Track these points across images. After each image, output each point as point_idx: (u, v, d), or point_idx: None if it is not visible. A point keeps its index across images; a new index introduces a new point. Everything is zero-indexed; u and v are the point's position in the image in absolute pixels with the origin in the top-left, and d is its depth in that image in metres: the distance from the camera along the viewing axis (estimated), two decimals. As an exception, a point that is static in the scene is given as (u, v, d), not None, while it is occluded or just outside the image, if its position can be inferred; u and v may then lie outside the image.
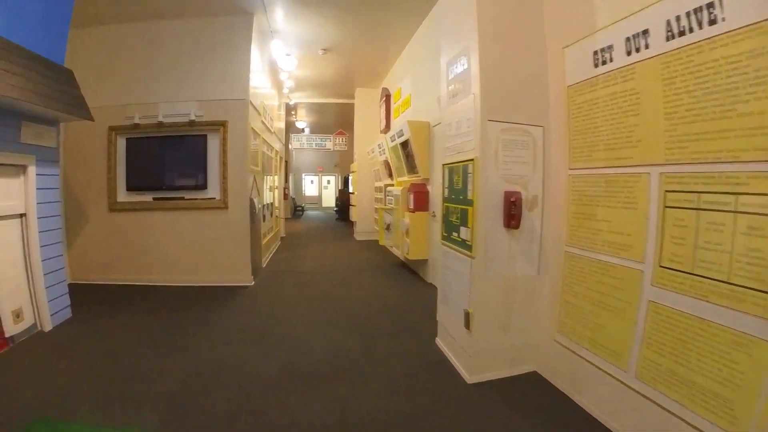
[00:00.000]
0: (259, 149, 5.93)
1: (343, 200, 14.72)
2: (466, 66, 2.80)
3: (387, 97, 7.78)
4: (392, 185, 6.72)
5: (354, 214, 9.29)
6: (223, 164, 5.08)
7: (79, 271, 5.28)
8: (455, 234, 2.98)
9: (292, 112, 11.45)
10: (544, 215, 2.81)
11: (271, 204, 7.41)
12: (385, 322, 3.85)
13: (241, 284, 5.18)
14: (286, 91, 8.70)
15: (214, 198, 5.17)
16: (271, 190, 7.27)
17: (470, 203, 2.72)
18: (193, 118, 5.06)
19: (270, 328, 3.67)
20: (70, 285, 5.09)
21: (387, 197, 6.31)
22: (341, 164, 17.50)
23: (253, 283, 5.27)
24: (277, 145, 8.60)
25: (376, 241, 8.83)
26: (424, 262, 5.45)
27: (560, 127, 2.67)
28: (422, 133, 5.20)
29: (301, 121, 12.75)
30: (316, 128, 13.71)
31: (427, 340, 3.41)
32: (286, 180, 15.45)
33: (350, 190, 9.87)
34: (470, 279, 2.75)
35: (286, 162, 15.60)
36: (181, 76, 5.18)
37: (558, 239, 2.70)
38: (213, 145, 5.17)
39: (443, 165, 3.27)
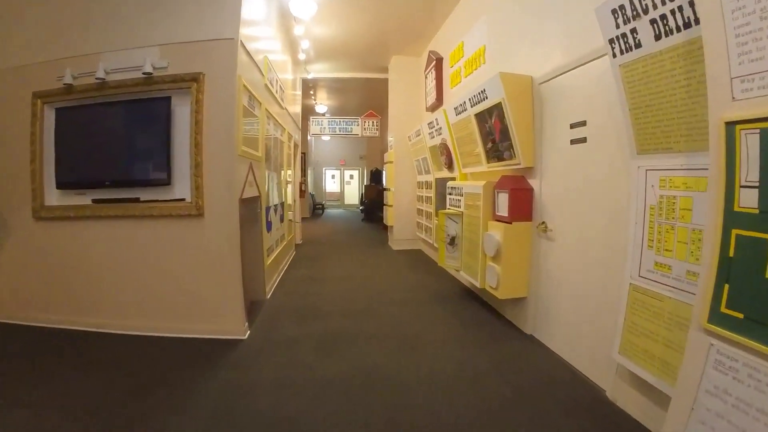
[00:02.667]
0: (261, 125, 3.95)
1: (371, 197, 12.74)
2: None
3: (437, 62, 5.72)
4: (453, 179, 4.67)
5: (390, 216, 7.27)
6: (195, 144, 3.11)
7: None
8: None
9: (311, 92, 9.46)
10: None
11: (283, 204, 5.44)
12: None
13: (227, 336, 3.24)
14: (302, 56, 6.71)
15: (183, 199, 3.22)
16: (282, 186, 5.29)
17: None
18: (149, 70, 3.13)
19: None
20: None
21: (450, 197, 4.26)
22: (368, 156, 15.41)
23: (247, 335, 3.31)
24: (292, 129, 6.63)
25: (420, 252, 6.80)
26: (518, 299, 3.39)
27: None
28: (523, 95, 3.12)
29: (322, 105, 10.77)
30: (341, 111, 11.65)
31: None
32: (304, 174, 13.56)
33: (384, 185, 7.81)
34: None
35: (303, 154, 13.70)
36: (132, 12, 3.27)
37: None
38: (181, 114, 3.23)
39: (739, 127, 1.18)
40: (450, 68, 5.21)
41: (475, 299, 4.20)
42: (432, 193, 5.77)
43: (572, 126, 2.74)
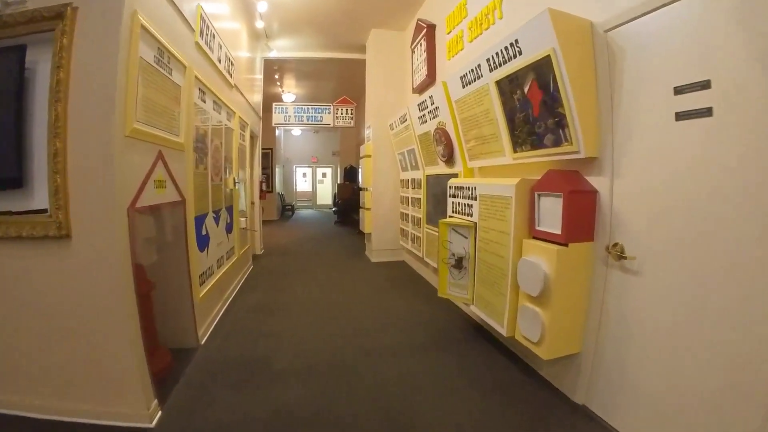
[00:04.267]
0: (185, 98, 2.71)
1: (345, 198, 11.54)
2: None
3: (428, 30, 4.58)
4: (455, 175, 3.55)
5: (367, 221, 6.09)
6: (55, 117, 1.87)
7: None
8: None
9: (276, 77, 8.17)
10: None
11: (231, 210, 4.21)
12: None
13: (123, 424, 2.04)
14: (260, 25, 5.45)
15: (44, 211, 1.97)
16: (229, 186, 4.04)
17: None
18: (-13, 0, 1.90)
19: None
20: None
21: (455, 201, 3.12)
22: (342, 152, 14.12)
23: (155, 420, 2.10)
24: (248, 116, 5.38)
25: (404, 265, 5.67)
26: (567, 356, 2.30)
27: None
28: (582, 46, 2.03)
29: (290, 93, 9.48)
30: (312, 100, 10.28)
31: None
32: (271, 172, 12.24)
33: (360, 184, 6.63)
34: None
35: (270, 150, 12.38)
36: None
37: None
38: (45, 73, 1.98)
39: None
40: (446, 35, 4.08)
41: (489, 340, 3.10)
42: (422, 194, 4.64)
43: (678, 91, 1.66)
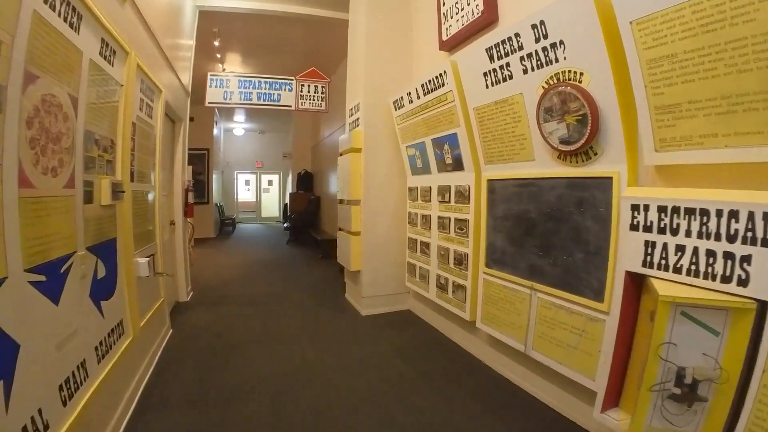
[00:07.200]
0: None
1: (299, 210, 9.43)
2: None
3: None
4: (596, 181, 1.68)
5: (355, 254, 4.04)
6: None
7: None
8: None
9: (215, 43, 5.92)
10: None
11: (109, 249, 2.07)
12: None
13: None
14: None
15: None
16: (101, 202, 1.90)
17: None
18: None
19: None
20: None
21: (671, 243, 1.24)
22: (296, 153, 11.68)
23: None
24: (159, 77, 3.24)
25: (411, 318, 3.71)
26: None
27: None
28: None
29: (233, 73, 7.26)
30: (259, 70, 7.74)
31: None
32: (204, 179, 9.85)
33: (342, 195, 4.50)
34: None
35: (207, 151, 10.01)
36: None
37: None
38: None
39: None
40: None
41: None
42: (471, 214, 2.76)
43: None
